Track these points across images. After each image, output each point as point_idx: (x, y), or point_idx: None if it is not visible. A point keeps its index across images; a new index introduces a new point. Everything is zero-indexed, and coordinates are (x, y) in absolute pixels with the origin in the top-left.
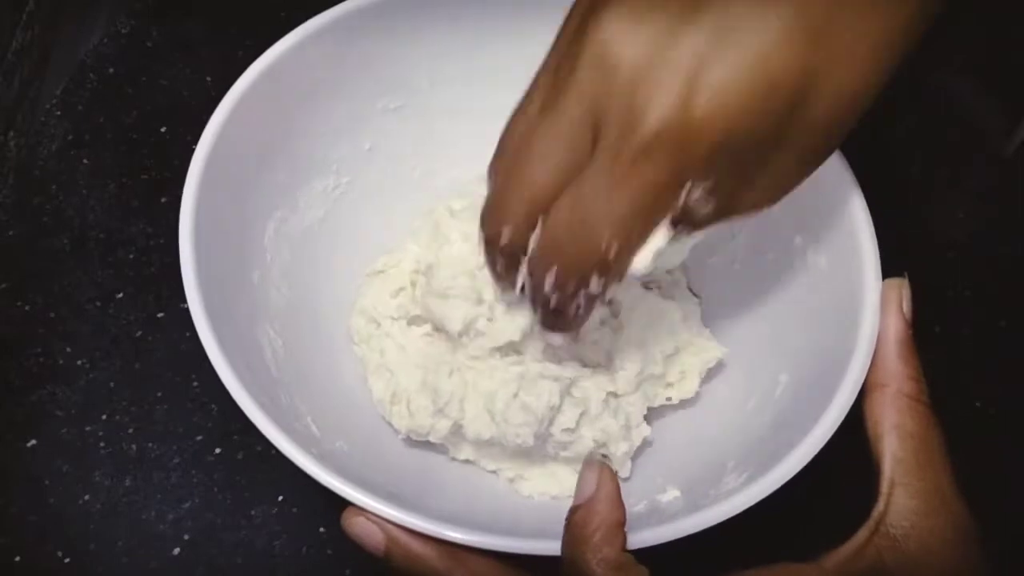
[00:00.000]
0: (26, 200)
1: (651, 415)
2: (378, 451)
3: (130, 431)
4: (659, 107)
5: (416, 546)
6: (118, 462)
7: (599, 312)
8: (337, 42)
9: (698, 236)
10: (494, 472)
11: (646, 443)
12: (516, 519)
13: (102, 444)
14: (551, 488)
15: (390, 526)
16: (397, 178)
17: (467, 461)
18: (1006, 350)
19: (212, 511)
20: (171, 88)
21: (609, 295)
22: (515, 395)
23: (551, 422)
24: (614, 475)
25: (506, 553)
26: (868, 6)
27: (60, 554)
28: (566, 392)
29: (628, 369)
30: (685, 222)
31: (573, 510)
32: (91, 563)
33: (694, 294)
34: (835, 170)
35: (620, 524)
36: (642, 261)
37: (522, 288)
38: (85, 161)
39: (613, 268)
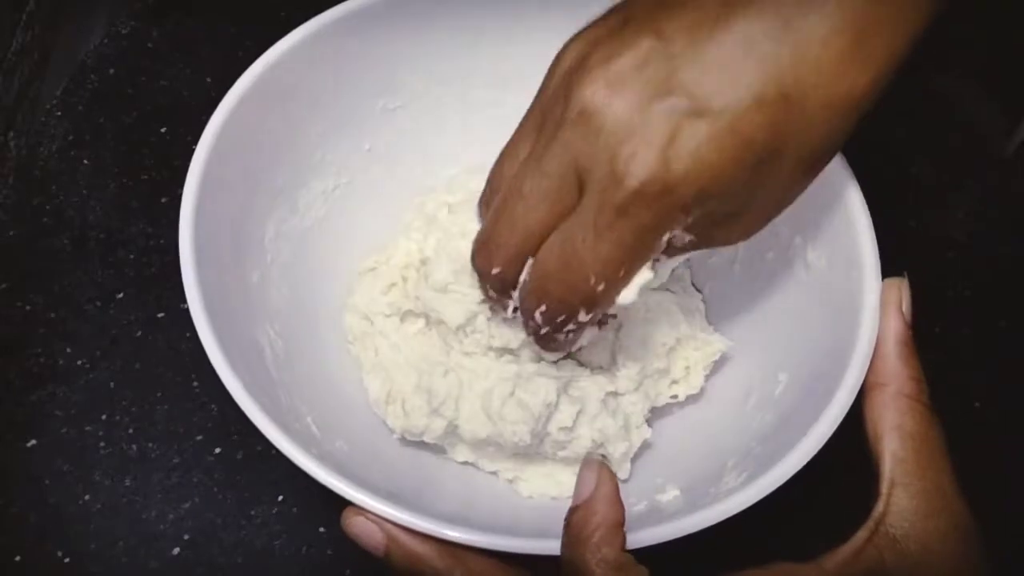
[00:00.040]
0: (26, 200)
1: (651, 415)
2: (378, 451)
3: (130, 431)
4: (640, 166)
5: (416, 546)
6: (118, 462)
7: (591, 332)
8: (337, 42)
9: (678, 260)
10: (493, 473)
11: (646, 443)
12: (516, 519)
13: (102, 444)
14: (550, 489)
15: (390, 526)
16: (397, 178)
17: (466, 463)
18: (1006, 350)
19: (212, 511)
20: (171, 88)
21: (597, 319)
22: (511, 393)
23: (548, 420)
24: (613, 475)
25: (506, 553)
26: (834, 69)
27: (60, 554)
28: (563, 390)
29: (629, 367)
30: (668, 253)
31: (572, 510)
32: (91, 563)
33: (697, 289)
34: (835, 171)
35: (619, 524)
36: (628, 295)
37: (514, 310)
38: (85, 161)
39: (600, 304)
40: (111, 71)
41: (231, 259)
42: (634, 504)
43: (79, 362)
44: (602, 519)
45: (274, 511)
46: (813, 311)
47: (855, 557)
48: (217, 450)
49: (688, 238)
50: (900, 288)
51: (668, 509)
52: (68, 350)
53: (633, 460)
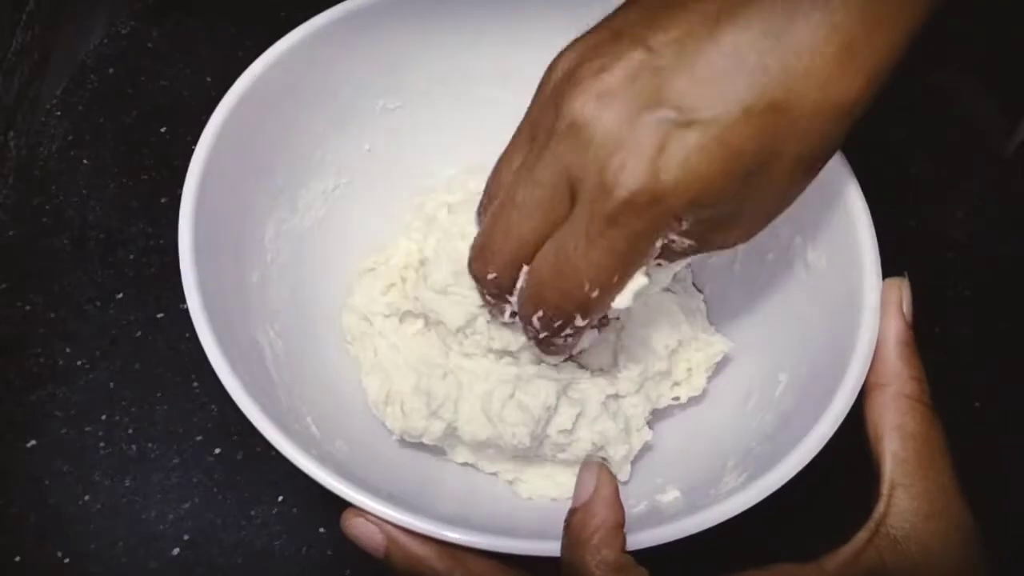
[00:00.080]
0: (26, 200)
1: (652, 416)
2: (378, 452)
3: (130, 431)
4: (629, 177)
5: (416, 547)
6: (118, 462)
7: (590, 335)
8: (337, 42)
9: (680, 264)
10: (493, 474)
11: (646, 444)
12: (515, 520)
13: (102, 444)
14: (550, 490)
15: (390, 527)
16: (397, 178)
17: (466, 464)
18: (1006, 350)
19: (212, 511)
20: (171, 88)
21: (595, 324)
22: (511, 395)
23: (547, 422)
24: (612, 477)
25: (505, 554)
26: (824, 77)
27: (60, 554)
28: (563, 393)
29: (631, 368)
30: (669, 258)
31: (571, 512)
32: (91, 563)
33: (698, 290)
34: (835, 170)
35: (619, 526)
36: (623, 301)
37: (512, 314)
38: (85, 161)
39: (594, 309)
40: (111, 71)
41: (231, 259)
42: (634, 505)
43: (79, 362)
44: (602, 521)
45: (274, 511)
46: (813, 311)
47: (856, 558)
48: (217, 450)
49: (687, 243)
50: (901, 288)
51: (668, 510)
52: (68, 350)
53: (633, 461)
